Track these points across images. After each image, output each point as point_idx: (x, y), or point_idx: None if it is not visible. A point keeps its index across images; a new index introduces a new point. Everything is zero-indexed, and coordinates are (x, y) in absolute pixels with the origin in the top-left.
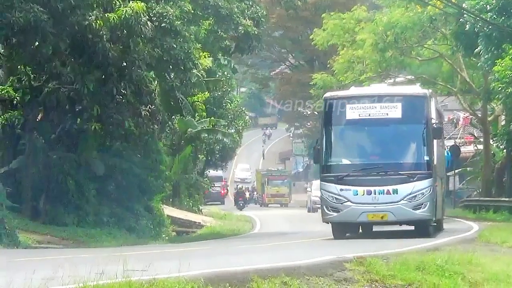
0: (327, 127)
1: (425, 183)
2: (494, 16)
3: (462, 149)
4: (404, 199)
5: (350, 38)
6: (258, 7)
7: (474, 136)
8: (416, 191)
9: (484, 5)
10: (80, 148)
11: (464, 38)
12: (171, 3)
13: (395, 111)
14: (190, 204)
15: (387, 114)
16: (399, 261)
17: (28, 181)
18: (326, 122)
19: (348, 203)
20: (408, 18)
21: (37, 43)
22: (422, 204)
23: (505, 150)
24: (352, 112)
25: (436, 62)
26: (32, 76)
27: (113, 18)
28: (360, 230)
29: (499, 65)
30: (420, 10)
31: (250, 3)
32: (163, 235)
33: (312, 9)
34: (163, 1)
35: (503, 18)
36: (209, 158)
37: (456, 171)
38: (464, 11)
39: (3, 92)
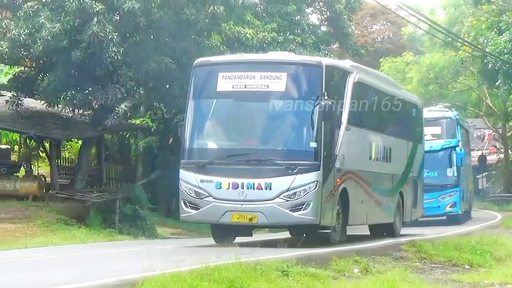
0: (193, 100)
1: (309, 177)
2: (510, 57)
3: (488, 158)
4: (280, 196)
5: (401, 76)
6: (332, 55)
7: (497, 148)
8: (296, 187)
9: (502, 49)
10: None
11: (488, 74)
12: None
13: (278, 82)
14: None
15: (267, 86)
16: (441, 243)
17: (163, 188)
18: (193, 94)
19: (209, 198)
20: (444, 60)
21: (167, 86)
22: (304, 204)
23: None
24: (225, 83)
25: (466, 93)
26: (164, 110)
27: None
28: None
29: None
30: (454, 54)
31: (326, 52)
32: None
33: (372, 55)
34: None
35: None
36: None
37: (484, 174)
38: (487, 54)
39: (143, 122)
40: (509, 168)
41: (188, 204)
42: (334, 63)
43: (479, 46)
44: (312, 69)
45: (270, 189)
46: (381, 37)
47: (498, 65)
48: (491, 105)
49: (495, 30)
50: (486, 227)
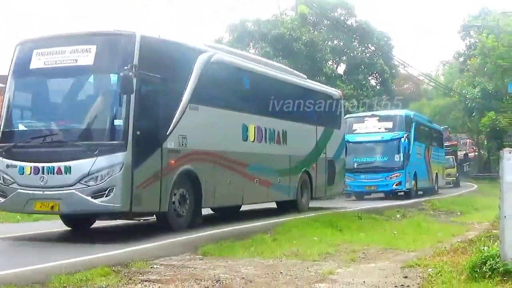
0: (9, 81)
1: (112, 158)
2: (480, 100)
3: (469, 155)
4: (81, 181)
5: (420, 111)
6: (386, 102)
7: (473, 149)
8: (97, 171)
9: (475, 96)
10: None
11: (468, 110)
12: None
13: (86, 56)
14: None
15: (76, 60)
16: (444, 200)
17: None
18: (10, 74)
19: (15, 185)
20: (444, 102)
21: None
22: (107, 190)
23: (486, 154)
24: (38, 60)
25: (456, 120)
26: None
27: None
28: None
29: (483, 121)
30: (449, 99)
31: (380, 100)
32: None
33: (403, 101)
34: None
35: (483, 100)
36: None
37: (467, 163)
38: (467, 99)
39: None
40: (481, 159)
41: None
42: (162, 37)
43: (463, 95)
44: (124, 40)
45: (70, 174)
46: (409, 91)
47: (473, 104)
48: (470, 126)
49: (471, 86)
50: (469, 192)
